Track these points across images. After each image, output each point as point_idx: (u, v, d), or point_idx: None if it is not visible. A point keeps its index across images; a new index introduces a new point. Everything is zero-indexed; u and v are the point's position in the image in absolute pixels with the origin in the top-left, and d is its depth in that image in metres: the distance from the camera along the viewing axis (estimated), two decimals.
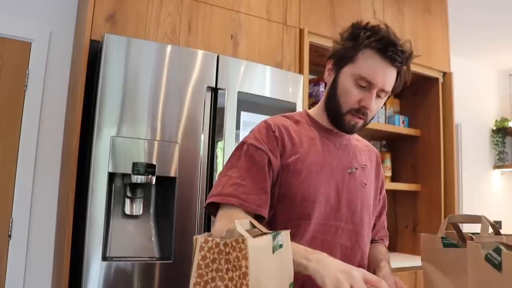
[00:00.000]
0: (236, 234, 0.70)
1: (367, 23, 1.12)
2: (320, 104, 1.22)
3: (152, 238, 1.87)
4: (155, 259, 1.80)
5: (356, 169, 1.19)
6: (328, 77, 1.18)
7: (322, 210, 1.11)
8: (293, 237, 1.01)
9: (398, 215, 2.91)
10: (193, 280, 0.68)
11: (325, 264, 0.88)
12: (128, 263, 1.73)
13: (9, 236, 2.17)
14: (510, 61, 4.02)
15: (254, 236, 0.72)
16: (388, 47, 1.07)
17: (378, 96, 1.12)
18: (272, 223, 1.10)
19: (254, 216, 1.04)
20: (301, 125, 1.19)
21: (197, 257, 0.68)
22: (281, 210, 1.10)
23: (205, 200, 1.11)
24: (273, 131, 1.12)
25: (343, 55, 1.12)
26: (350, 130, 1.17)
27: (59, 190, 2.26)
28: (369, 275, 0.85)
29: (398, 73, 1.13)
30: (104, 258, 1.71)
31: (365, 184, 1.21)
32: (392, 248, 2.88)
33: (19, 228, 2.19)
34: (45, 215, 2.25)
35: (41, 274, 2.21)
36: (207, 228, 1.89)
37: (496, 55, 3.86)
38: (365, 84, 1.09)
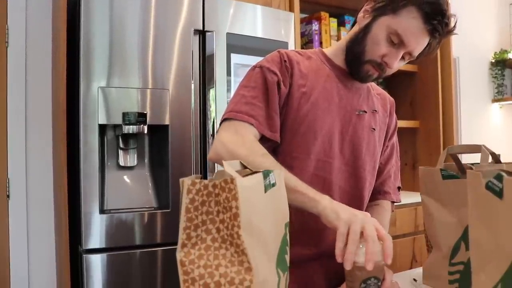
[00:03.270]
0: (227, 175, 0.67)
1: None
2: (340, 44, 1.17)
3: (149, 188, 1.86)
4: (153, 209, 1.80)
5: (365, 112, 1.16)
6: (362, 19, 1.11)
7: (324, 147, 1.08)
8: (293, 172, 1.00)
9: (399, 150, 2.89)
10: (182, 224, 0.65)
11: (339, 203, 0.88)
12: (127, 214, 1.72)
13: (8, 196, 2.15)
14: None
15: (244, 176, 0.69)
16: (436, 15, 1.00)
17: (402, 57, 1.07)
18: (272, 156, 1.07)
19: (260, 140, 1.02)
20: (314, 61, 1.15)
21: (184, 200, 0.65)
22: (282, 142, 1.07)
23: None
24: (285, 61, 1.09)
25: (387, 4, 1.05)
26: (363, 79, 1.13)
27: (52, 146, 2.23)
28: (380, 227, 0.84)
29: (429, 43, 1.06)
30: (102, 211, 1.70)
31: (374, 129, 1.17)
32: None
33: (16, 188, 2.17)
34: (41, 172, 2.22)
35: (44, 231, 2.22)
36: (204, 175, 1.88)
37: None
38: (397, 42, 1.03)
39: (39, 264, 2.20)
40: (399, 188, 1.30)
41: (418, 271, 1.08)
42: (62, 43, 1.75)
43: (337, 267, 0.99)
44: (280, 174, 0.80)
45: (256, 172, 0.74)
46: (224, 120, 1.03)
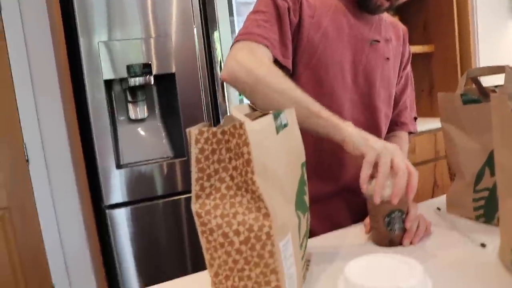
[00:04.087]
0: (236, 120, 0.63)
1: None
2: None
3: (163, 139, 1.85)
4: (169, 158, 1.79)
5: (379, 41, 1.10)
6: None
7: (335, 78, 1.04)
8: None
9: (413, 80, 2.81)
10: (194, 176, 0.63)
11: (364, 132, 0.84)
12: (144, 167, 1.73)
13: (27, 161, 2.17)
14: None
15: (254, 119, 0.65)
16: None
17: None
18: None
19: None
20: None
21: (194, 151, 0.62)
22: (292, 75, 1.03)
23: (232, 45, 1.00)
24: None
25: None
26: (373, 10, 1.07)
27: (62, 107, 2.21)
28: (408, 161, 0.80)
29: None
30: (119, 166, 1.70)
31: (388, 58, 1.12)
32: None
33: (34, 152, 2.18)
34: (56, 134, 2.22)
35: (67, 191, 2.25)
36: (217, 120, 1.85)
37: None
38: None
39: (68, 224, 2.25)
40: (415, 118, 1.26)
41: (441, 200, 1.06)
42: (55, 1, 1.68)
43: (359, 201, 0.98)
44: (292, 113, 0.76)
45: (266, 114, 0.70)
46: (236, 42, 0.97)
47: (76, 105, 1.74)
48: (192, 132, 0.62)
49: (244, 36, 0.95)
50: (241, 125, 0.59)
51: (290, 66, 1.00)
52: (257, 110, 0.75)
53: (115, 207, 1.68)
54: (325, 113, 0.86)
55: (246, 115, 0.69)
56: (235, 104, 1.89)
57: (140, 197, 1.72)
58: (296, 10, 1.01)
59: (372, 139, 0.81)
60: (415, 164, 2.36)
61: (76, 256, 2.26)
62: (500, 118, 0.65)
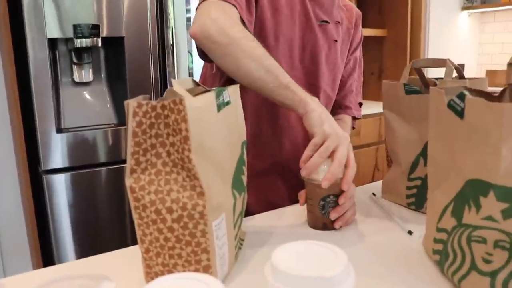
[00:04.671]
0: (177, 95, 0.62)
1: None
2: None
3: (108, 104, 1.79)
4: (113, 125, 1.74)
5: (328, 22, 1.10)
6: None
7: (284, 55, 1.03)
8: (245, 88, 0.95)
9: (364, 62, 2.84)
10: (130, 149, 0.61)
11: (328, 114, 0.84)
12: (87, 132, 1.67)
13: None
14: None
15: (196, 95, 0.64)
16: None
17: None
18: None
19: None
20: None
21: (131, 124, 0.60)
22: None
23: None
24: None
25: None
26: None
27: (2, 64, 2.08)
28: (352, 155, 0.82)
29: None
30: (60, 130, 1.64)
31: (336, 40, 1.12)
32: None
33: None
34: None
35: (3, 153, 2.14)
36: (164, 88, 1.81)
37: None
38: None
39: (2, 187, 2.15)
40: (360, 104, 1.28)
41: (377, 185, 1.09)
42: None
43: (297, 181, 1.00)
44: (236, 91, 0.75)
45: (208, 90, 0.69)
46: (203, 1, 0.91)
47: (16, 63, 1.64)
48: (131, 104, 0.60)
49: None
50: (181, 101, 0.57)
51: (252, 31, 0.97)
52: (200, 85, 0.74)
53: (53, 172, 1.62)
54: (293, 85, 0.85)
55: (188, 90, 0.68)
56: (184, 72, 1.85)
57: (80, 163, 1.67)
58: None
59: (328, 123, 0.81)
60: (359, 147, 2.42)
61: (9, 222, 2.18)
62: (436, 112, 0.67)
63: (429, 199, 0.71)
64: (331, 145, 0.79)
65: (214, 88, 0.70)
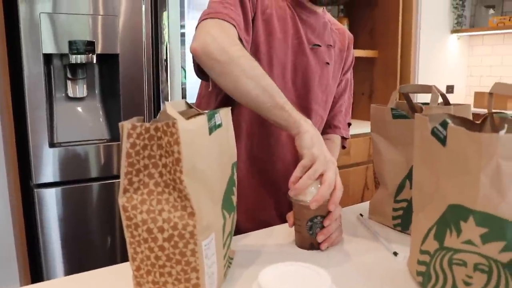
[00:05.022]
0: (170, 118, 0.64)
1: None
2: None
3: (101, 120, 1.80)
4: (106, 141, 1.75)
5: (320, 46, 1.13)
6: None
7: (277, 78, 1.06)
8: (239, 106, 0.97)
9: (354, 83, 2.86)
10: (123, 170, 0.63)
11: (319, 136, 0.87)
12: (79, 147, 1.68)
13: None
14: None
15: (189, 118, 0.66)
16: None
17: None
18: None
19: None
20: None
21: (125, 145, 0.62)
22: None
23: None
24: None
25: None
26: (317, 1, 1.09)
27: None
28: (339, 179, 0.84)
29: None
30: (52, 144, 1.65)
31: (328, 63, 1.15)
32: None
33: None
34: None
35: None
36: (157, 105, 1.83)
37: None
38: None
39: None
40: (349, 124, 1.31)
41: (365, 206, 1.11)
42: None
43: (287, 201, 1.02)
44: (227, 113, 0.77)
45: (201, 113, 0.71)
46: (204, 19, 0.94)
47: (11, 77, 1.66)
48: (125, 126, 0.62)
49: (213, 14, 0.93)
50: (174, 124, 0.59)
51: (249, 51, 0.99)
52: (193, 108, 0.76)
53: (44, 186, 1.63)
54: (288, 106, 0.88)
55: (181, 112, 0.70)
56: (178, 87, 1.88)
57: (72, 178, 1.68)
58: (254, 2, 1.02)
59: (317, 146, 0.84)
60: (349, 166, 2.45)
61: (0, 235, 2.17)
62: (420, 138, 0.69)
63: (413, 222, 0.73)
64: (319, 168, 0.82)
65: (206, 111, 0.72)
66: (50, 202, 1.63)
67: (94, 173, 1.71)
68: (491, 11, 3.98)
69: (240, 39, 0.94)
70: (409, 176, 0.92)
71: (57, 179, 1.65)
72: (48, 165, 1.62)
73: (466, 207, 0.56)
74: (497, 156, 0.52)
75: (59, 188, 1.65)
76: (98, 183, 1.73)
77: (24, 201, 1.72)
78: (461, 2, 3.94)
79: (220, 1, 0.97)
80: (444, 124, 0.60)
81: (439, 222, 0.62)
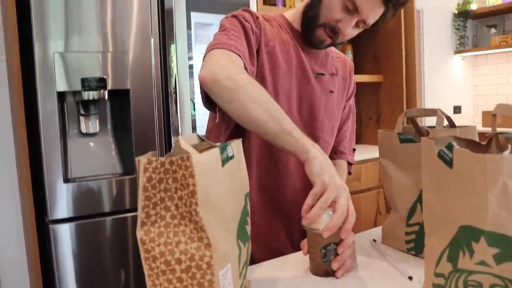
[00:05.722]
0: (183, 152, 0.66)
1: None
2: (299, 7, 1.17)
3: (113, 154, 1.84)
4: (118, 175, 1.78)
5: (324, 74, 1.17)
6: None
7: (283, 108, 1.08)
8: (247, 133, 0.99)
9: (361, 107, 2.92)
10: (140, 203, 0.65)
11: (329, 162, 0.87)
12: (92, 182, 1.70)
13: None
14: None
15: (202, 151, 0.68)
16: None
17: (356, 25, 1.09)
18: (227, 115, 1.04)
19: None
20: (275, 26, 1.15)
21: (141, 179, 0.65)
22: None
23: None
24: (257, 17, 1.09)
25: None
26: (316, 44, 1.13)
27: (11, 116, 2.15)
28: (351, 204, 0.85)
29: (384, 13, 1.08)
30: (66, 180, 1.68)
31: (332, 91, 1.19)
32: (357, 140, 2.93)
33: None
34: (2, 143, 2.15)
35: (10, 203, 2.17)
36: (168, 138, 1.86)
37: None
38: (351, 8, 1.04)
39: (8, 238, 2.17)
40: (354, 150, 1.33)
41: (377, 231, 1.12)
42: (11, 4, 1.66)
43: (298, 227, 1.03)
44: (239, 145, 0.79)
45: (213, 146, 0.74)
46: (211, 50, 0.97)
47: (26, 114, 1.70)
48: (141, 160, 0.64)
49: (219, 45, 0.97)
50: (188, 157, 0.62)
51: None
52: (205, 140, 0.78)
53: (59, 222, 1.65)
54: (296, 132, 0.89)
55: (194, 145, 0.72)
56: (187, 120, 1.91)
57: (86, 213, 1.70)
58: (257, 35, 1.06)
59: (327, 174, 0.84)
60: (360, 191, 2.45)
61: (14, 271, 2.18)
62: (427, 161, 0.71)
63: (426, 245, 0.74)
64: (331, 196, 0.82)
65: (218, 144, 0.75)
66: (65, 238, 1.65)
67: (107, 207, 1.73)
68: (493, 30, 4.02)
69: (246, 69, 0.97)
70: (419, 199, 0.93)
71: (71, 215, 1.67)
72: (62, 201, 1.65)
73: (477, 228, 0.57)
74: (503, 176, 0.53)
75: (73, 224, 1.67)
76: (111, 217, 1.75)
77: (39, 237, 1.74)
78: (462, 23, 4.00)
79: (226, 33, 1.01)
80: (449, 147, 0.61)
81: (451, 244, 0.63)
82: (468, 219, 0.58)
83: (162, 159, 0.65)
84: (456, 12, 3.97)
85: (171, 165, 0.64)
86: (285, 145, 0.89)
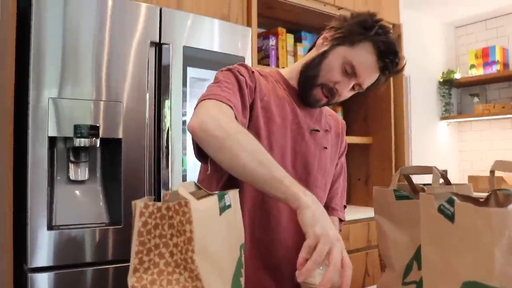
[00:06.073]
0: (181, 198, 0.65)
1: (381, 19, 1.13)
2: (296, 65, 1.21)
3: (101, 203, 1.80)
4: (104, 224, 1.73)
5: (318, 131, 1.19)
6: (321, 45, 1.16)
7: (276, 160, 1.08)
8: (245, 186, 1.00)
9: (351, 168, 2.94)
10: (134, 248, 0.63)
11: (322, 210, 0.85)
12: (77, 230, 1.65)
13: None
14: (455, 14, 4.06)
15: (199, 198, 0.67)
16: (389, 54, 1.09)
17: (352, 88, 1.14)
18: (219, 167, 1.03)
19: None
20: (271, 82, 1.17)
21: (137, 224, 0.63)
22: None
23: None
24: (252, 72, 1.11)
25: (346, 35, 1.11)
26: (312, 103, 1.16)
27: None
28: (346, 254, 0.83)
29: (378, 79, 1.14)
30: (50, 227, 1.63)
31: (326, 147, 1.20)
32: (346, 200, 2.92)
33: None
34: None
35: None
36: (158, 190, 1.84)
37: (443, 7, 3.89)
38: (350, 72, 1.09)
39: None
40: (344, 206, 1.33)
41: None
42: (11, 47, 1.67)
43: (288, 283, 1.00)
44: (236, 195, 0.79)
45: (210, 194, 0.73)
46: (202, 100, 0.98)
47: (14, 157, 1.68)
48: (138, 204, 0.63)
49: (211, 96, 0.98)
50: (186, 203, 0.61)
51: None
52: (202, 189, 0.77)
53: (38, 271, 1.58)
54: (287, 179, 0.87)
55: (192, 193, 0.71)
56: (178, 174, 1.89)
57: (67, 262, 1.63)
58: (252, 89, 1.08)
59: (320, 223, 0.82)
60: (348, 252, 2.40)
61: None
62: (427, 216, 0.70)
63: None
64: (324, 248, 0.80)
65: (215, 192, 0.74)
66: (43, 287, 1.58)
67: (89, 257, 1.67)
68: (476, 99, 4.16)
69: (237, 120, 0.97)
70: (416, 256, 0.91)
71: (51, 263, 1.60)
72: (43, 248, 1.59)
73: (483, 284, 0.56)
74: (508, 231, 0.53)
75: (52, 273, 1.60)
76: (92, 268, 1.69)
77: (15, 285, 1.66)
78: (447, 91, 4.14)
79: (219, 85, 1.03)
80: (450, 201, 0.61)
81: None
82: (473, 274, 0.57)
83: (159, 204, 0.63)
84: (441, 80, 4.12)
85: (168, 210, 0.63)
86: (276, 192, 0.87)
